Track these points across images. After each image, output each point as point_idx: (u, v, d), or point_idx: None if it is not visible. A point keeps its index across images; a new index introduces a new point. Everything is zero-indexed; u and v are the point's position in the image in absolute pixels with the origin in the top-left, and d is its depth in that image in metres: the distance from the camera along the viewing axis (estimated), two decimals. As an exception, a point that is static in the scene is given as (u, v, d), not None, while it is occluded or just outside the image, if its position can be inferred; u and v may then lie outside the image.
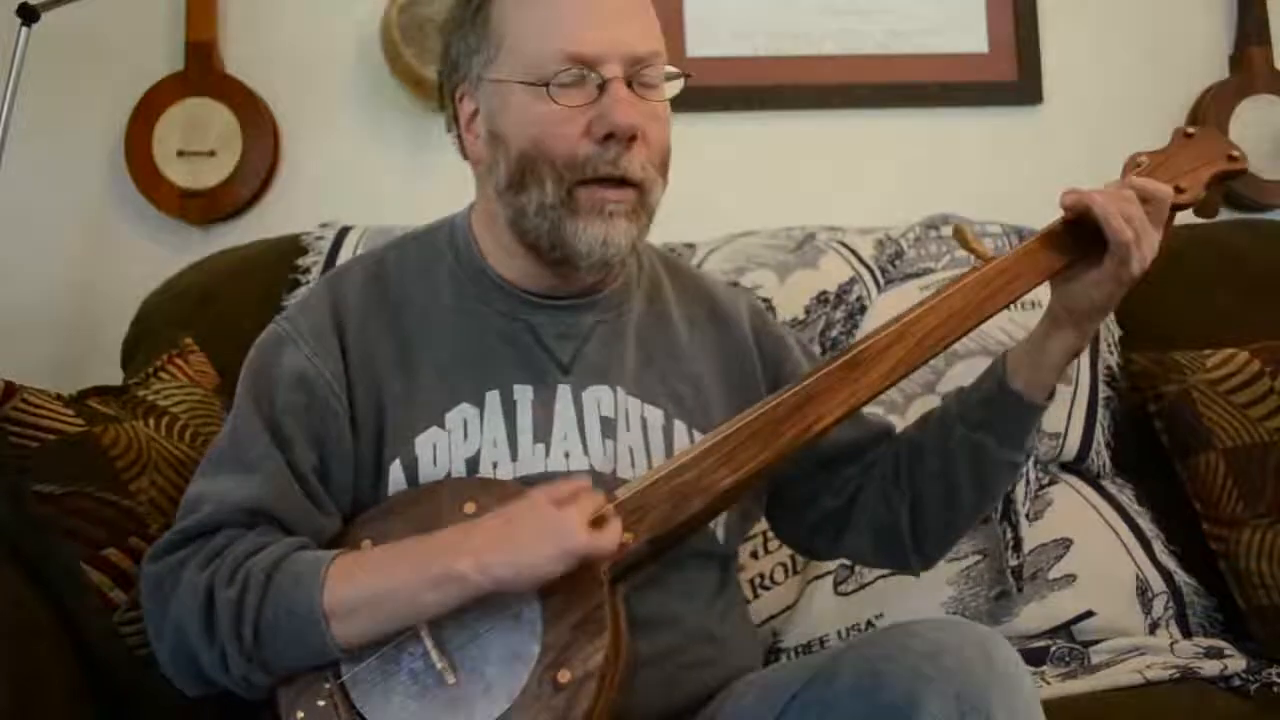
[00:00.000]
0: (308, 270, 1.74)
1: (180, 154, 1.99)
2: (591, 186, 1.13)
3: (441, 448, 1.16)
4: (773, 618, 1.61)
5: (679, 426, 1.23)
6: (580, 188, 1.13)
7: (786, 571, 1.64)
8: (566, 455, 1.17)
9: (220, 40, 2.03)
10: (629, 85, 1.13)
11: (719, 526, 1.22)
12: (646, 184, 1.15)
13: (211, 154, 2.00)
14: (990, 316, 1.18)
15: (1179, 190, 1.20)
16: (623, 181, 1.14)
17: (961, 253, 1.78)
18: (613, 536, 1.03)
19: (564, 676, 1.01)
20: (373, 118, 2.06)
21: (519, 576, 1.02)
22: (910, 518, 1.27)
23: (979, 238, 1.23)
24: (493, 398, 1.18)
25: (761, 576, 1.62)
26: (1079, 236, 1.17)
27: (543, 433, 1.18)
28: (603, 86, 1.12)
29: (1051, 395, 1.22)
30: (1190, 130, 1.27)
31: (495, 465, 1.16)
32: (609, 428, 1.19)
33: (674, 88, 1.18)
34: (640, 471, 1.18)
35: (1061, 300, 1.18)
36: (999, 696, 0.92)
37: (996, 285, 1.17)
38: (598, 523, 1.04)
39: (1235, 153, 1.25)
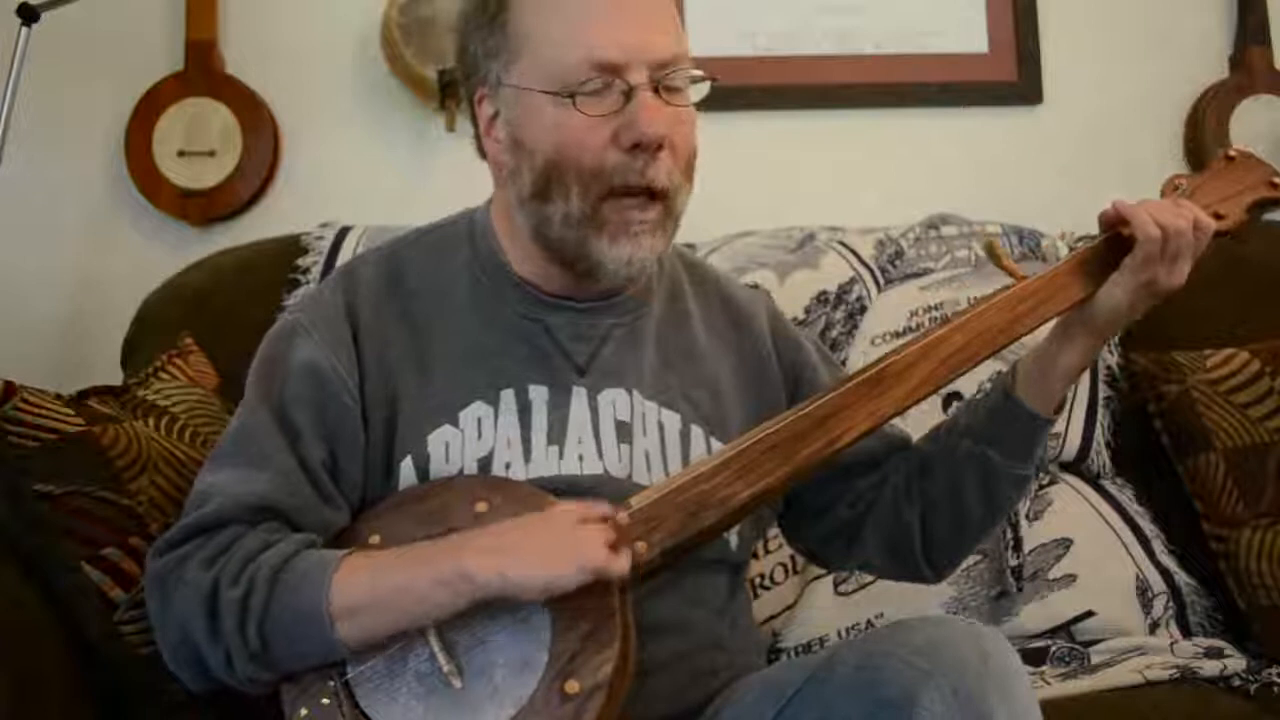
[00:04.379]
0: (308, 270, 1.74)
1: (180, 154, 1.99)
2: (618, 201, 1.11)
3: (454, 446, 1.15)
4: (773, 618, 1.61)
5: (696, 431, 1.21)
6: (606, 202, 1.11)
7: (786, 571, 1.64)
8: (580, 458, 1.16)
9: (220, 40, 2.03)
10: (655, 91, 1.11)
11: (732, 535, 1.21)
12: (673, 191, 1.13)
13: (211, 154, 2.00)
14: (1019, 338, 1.16)
15: (1219, 217, 1.17)
16: (650, 193, 1.12)
17: (961, 252, 1.79)
18: (624, 564, 1.02)
19: (572, 687, 1.00)
20: (372, 117, 2.06)
21: (531, 585, 1.01)
22: (921, 530, 1.26)
23: (1011, 257, 1.20)
24: (507, 396, 1.17)
25: (761, 576, 1.62)
26: (1114, 259, 1.14)
27: (557, 435, 1.16)
28: (628, 94, 1.10)
29: (1060, 409, 1.21)
30: (1232, 153, 1.23)
31: (508, 465, 1.15)
32: (624, 432, 1.18)
33: (700, 90, 1.15)
34: (656, 476, 1.17)
35: (1078, 310, 1.16)
36: (996, 692, 0.92)
37: (1028, 306, 1.14)
38: (612, 545, 1.03)
39: (1278, 179, 1.21)
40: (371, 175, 2.05)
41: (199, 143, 1.99)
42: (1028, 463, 1.21)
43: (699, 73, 1.15)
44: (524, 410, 1.16)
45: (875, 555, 1.30)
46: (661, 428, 1.20)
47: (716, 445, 1.20)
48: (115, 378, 1.65)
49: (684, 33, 1.15)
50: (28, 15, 1.70)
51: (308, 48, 2.06)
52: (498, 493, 1.10)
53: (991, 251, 1.19)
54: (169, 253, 1.95)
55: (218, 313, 1.69)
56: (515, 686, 1.02)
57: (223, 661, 1.06)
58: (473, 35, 1.17)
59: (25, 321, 1.95)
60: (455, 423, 1.15)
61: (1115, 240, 1.15)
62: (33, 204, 1.97)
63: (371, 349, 1.17)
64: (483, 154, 1.22)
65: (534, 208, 1.14)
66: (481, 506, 1.09)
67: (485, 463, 1.14)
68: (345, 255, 1.73)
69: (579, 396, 1.18)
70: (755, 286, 1.64)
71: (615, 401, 1.19)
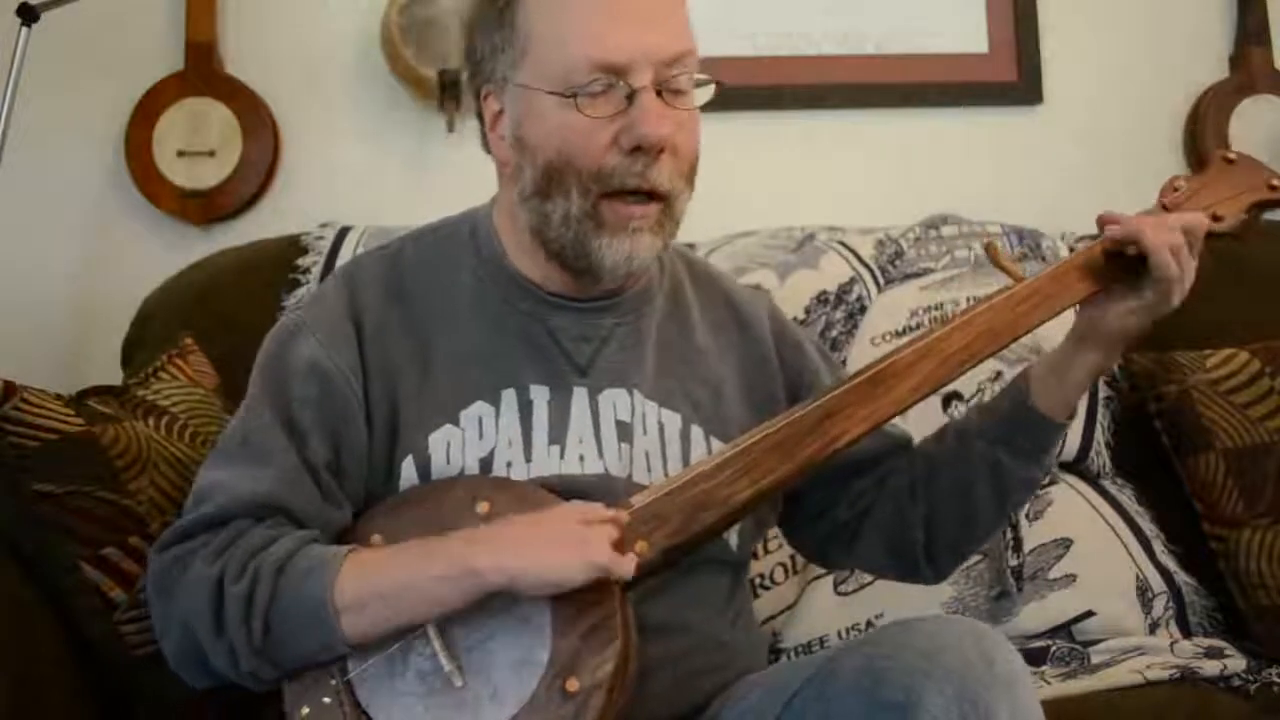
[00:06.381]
0: (308, 270, 1.74)
1: (180, 154, 1.99)
2: (616, 201, 1.11)
3: (455, 445, 1.15)
4: (773, 618, 1.61)
5: (696, 432, 1.21)
6: (605, 201, 1.11)
7: (786, 571, 1.64)
8: (581, 458, 1.16)
9: (220, 40, 2.03)
10: (658, 93, 1.10)
11: (732, 534, 1.21)
12: (673, 195, 1.13)
13: (211, 154, 2.00)
14: (1018, 338, 1.16)
15: (1216, 218, 1.18)
16: (649, 195, 1.12)
17: (961, 252, 1.79)
18: (629, 566, 1.03)
19: (573, 685, 1.00)
20: (372, 117, 2.06)
21: (537, 581, 1.01)
22: (925, 532, 1.26)
23: (1011, 258, 1.21)
24: (509, 396, 1.17)
25: (761, 576, 1.62)
26: (1116, 262, 1.15)
27: (558, 434, 1.16)
28: (631, 96, 1.09)
29: (1073, 414, 1.22)
30: (1231, 156, 1.24)
31: (509, 465, 1.14)
32: (625, 432, 1.18)
33: (705, 94, 1.15)
34: (656, 476, 1.17)
35: (1091, 323, 1.17)
36: (999, 694, 0.91)
37: (1027, 306, 1.15)
38: (617, 545, 1.03)
39: (1277, 181, 1.21)
40: (371, 175, 2.05)
41: (199, 143, 1.99)
42: (1039, 465, 1.22)
43: (704, 76, 1.14)
44: (525, 410, 1.16)
45: (876, 555, 1.30)
46: (661, 428, 1.20)
47: (717, 445, 1.20)
48: (115, 378, 1.65)
49: (690, 29, 1.14)
50: (28, 15, 1.70)
51: (308, 48, 2.06)
52: (500, 492, 1.10)
53: (990, 252, 1.20)
54: (169, 253, 1.95)
55: (218, 313, 1.69)
56: (516, 685, 1.02)
57: (226, 657, 1.06)
58: (479, 31, 1.17)
59: (25, 322, 1.95)
60: (456, 422, 1.15)
61: (1116, 250, 1.15)
62: (33, 204, 1.97)
63: (374, 348, 1.17)
64: (488, 150, 1.22)
65: (534, 205, 1.15)
66: (483, 507, 1.09)
67: (486, 462, 1.14)
68: (345, 255, 1.73)
69: (580, 396, 1.18)
70: (757, 287, 1.64)
71: (616, 401, 1.19)
